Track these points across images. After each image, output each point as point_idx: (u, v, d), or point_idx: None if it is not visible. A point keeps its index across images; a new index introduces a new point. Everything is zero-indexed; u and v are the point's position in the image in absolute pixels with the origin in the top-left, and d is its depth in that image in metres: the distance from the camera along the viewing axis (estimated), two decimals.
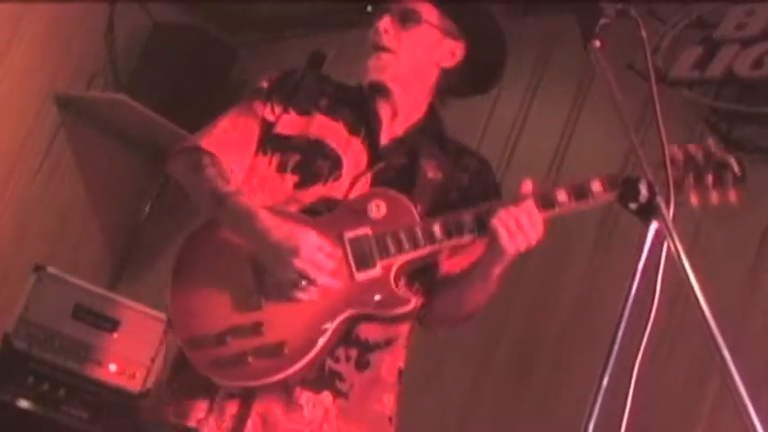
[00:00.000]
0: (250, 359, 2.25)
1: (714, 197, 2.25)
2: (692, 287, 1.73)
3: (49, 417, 4.20)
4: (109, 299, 4.50)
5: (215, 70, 5.38)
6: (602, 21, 2.08)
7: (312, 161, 2.45)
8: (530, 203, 2.27)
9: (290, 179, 2.45)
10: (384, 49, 2.47)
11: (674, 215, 1.84)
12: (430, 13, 2.50)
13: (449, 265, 2.48)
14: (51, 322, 4.28)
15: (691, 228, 3.34)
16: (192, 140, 2.54)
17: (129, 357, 4.42)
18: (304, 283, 2.26)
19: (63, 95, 5.37)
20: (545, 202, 2.30)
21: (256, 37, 5.67)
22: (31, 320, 4.24)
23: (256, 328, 2.28)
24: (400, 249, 2.31)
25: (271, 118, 2.52)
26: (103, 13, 5.40)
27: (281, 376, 2.26)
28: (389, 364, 2.45)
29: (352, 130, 2.50)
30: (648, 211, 1.85)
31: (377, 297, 2.30)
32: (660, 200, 1.84)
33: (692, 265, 1.76)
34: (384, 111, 2.52)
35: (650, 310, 1.77)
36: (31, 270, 4.34)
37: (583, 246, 3.80)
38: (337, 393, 2.36)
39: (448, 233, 2.32)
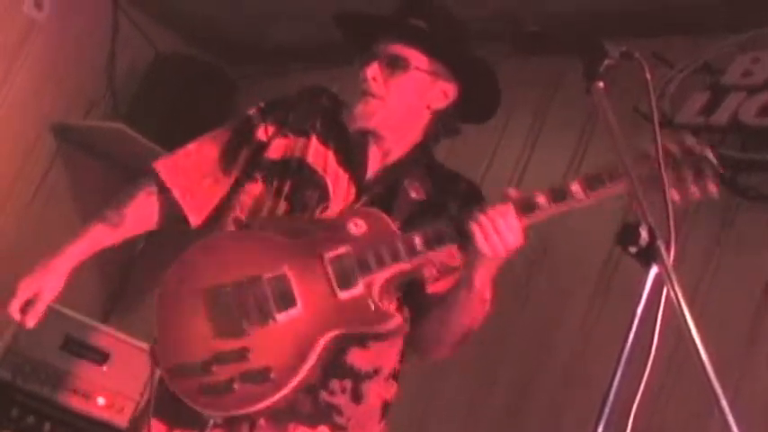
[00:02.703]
0: (236, 386, 2.25)
1: (695, 192, 2.20)
2: (690, 332, 1.70)
3: None
4: (99, 331, 4.44)
5: (215, 102, 5.38)
6: (607, 62, 2.06)
7: (303, 191, 2.46)
8: (507, 207, 2.24)
9: (283, 206, 2.46)
10: (372, 95, 2.47)
11: (675, 261, 1.80)
12: (418, 59, 2.49)
13: (435, 287, 2.46)
14: (39, 353, 4.22)
15: (693, 275, 3.32)
16: (158, 162, 2.65)
17: (118, 391, 4.36)
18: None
19: (60, 124, 5.35)
20: (524, 206, 2.26)
21: (258, 70, 5.68)
22: (18, 351, 4.18)
23: (242, 354, 2.27)
24: (381, 265, 2.30)
25: (263, 138, 2.55)
26: (105, 41, 5.41)
27: (267, 402, 2.25)
28: (375, 393, 2.43)
29: (340, 162, 2.50)
30: (649, 256, 1.82)
31: (361, 315, 2.29)
32: (661, 244, 1.81)
33: (692, 314, 1.72)
34: (373, 152, 2.53)
35: (648, 357, 1.73)
36: None
37: (582, 289, 3.78)
38: (335, 427, 2.35)
39: (428, 244, 2.30)
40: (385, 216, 2.37)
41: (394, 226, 2.36)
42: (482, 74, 2.56)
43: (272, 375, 2.24)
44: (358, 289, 2.30)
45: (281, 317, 2.30)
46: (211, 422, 2.29)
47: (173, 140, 5.08)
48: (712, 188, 2.20)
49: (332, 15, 2.66)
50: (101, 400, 4.32)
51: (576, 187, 2.25)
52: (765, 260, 3.33)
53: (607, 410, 1.72)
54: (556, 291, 3.86)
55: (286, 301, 2.31)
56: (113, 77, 5.46)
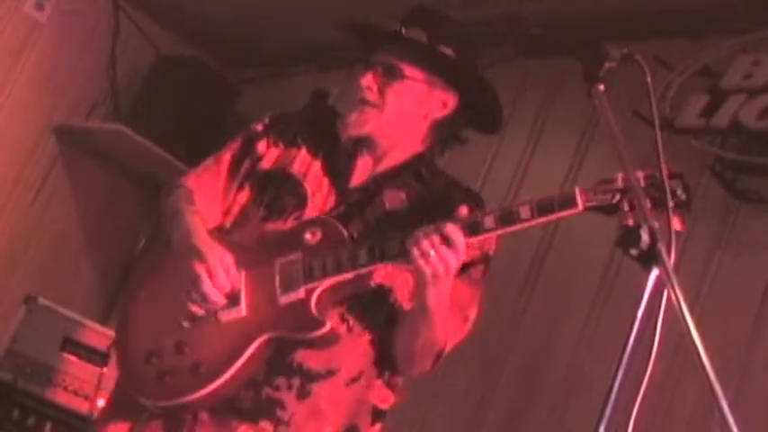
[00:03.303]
0: (167, 378, 2.33)
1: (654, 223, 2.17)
2: (690, 334, 1.70)
3: None
4: (99, 332, 4.45)
5: (216, 104, 5.38)
6: (607, 65, 2.06)
7: (282, 197, 2.49)
8: (449, 227, 2.21)
9: (261, 213, 2.50)
10: (367, 103, 2.48)
11: (676, 264, 1.80)
12: (413, 69, 2.49)
13: (407, 305, 2.44)
14: (39, 354, 4.23)
15: (694, 278, 3.32)
16: (178, 178, 2.68)
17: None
18: (193, 287, 2.32)
19: (62, 125, 5.35)
20: (471, 228, 2.23)
21: (259, 73, 5.69)
22: (18, 352, 4.19)
23: (179, 348, 2.35)
24: (324, 273, 2.32)
25: (262, 151, 2.58)
26: (107, 42, 5.41)
27: (194, 396, 2.30)
28: (330, 395, 2.40)
29: (326, 171, 2.53)
30: (649, 258, 1.82)
31: (295, 320, 2.31)
32: (662, 246, 1.81)
33: (693, 315, 1.72)
34: (364, 161, 2.53)
35: (649, 359, 1.73)
36: (21, 300, 4.29)
37: (584, 292, 3.78)
38: (277, 422, 2.35)
39: (371, 257, 2.29)
40: (338, 226, 2.38)
41: (346, 237, 2.37)
42: (479, 87, 2.56)
43: (201, 370, 2.30)
44: (298, 294, 2.32)
45: (223, 315, 2.35)
46: (146, 414, 2.36)
47: (173, 142, 5.13)
48: (676, 223, 2.16)
49: (338, 24, 2.67)
50: (101, 402, 4.32)
51: (525, 212, 2.22)
52: (766, 262, 3.33)
53: (609, 412, 1.72)
54: (558, 293, 3.86)
55: (231, 301, 2.35)
56: (115, 79, 5.46)
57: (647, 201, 2.06)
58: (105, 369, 4.32)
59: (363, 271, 2.32)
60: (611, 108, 2.02)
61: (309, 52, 5.33)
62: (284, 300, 2.33)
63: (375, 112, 2.48)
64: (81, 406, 4.28)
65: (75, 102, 5.41)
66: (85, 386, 4.30)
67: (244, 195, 2.55)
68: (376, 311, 2.45)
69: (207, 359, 2.31)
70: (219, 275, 2.31)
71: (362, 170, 2.53)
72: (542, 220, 2.22)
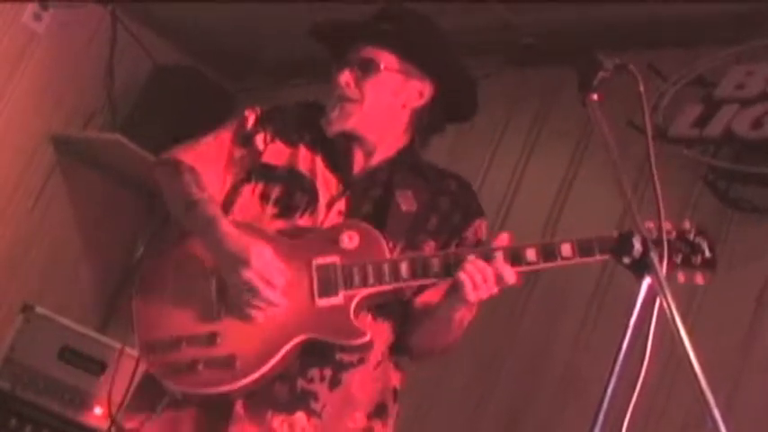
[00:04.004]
0: (200, 367, 2.33)
1: (680, 277, 2.25)
2: (682, 342, 1.71)
3: None
4: (97, 341, 4.44)
5: (213, 114, 5.31)
6: (601, 74, 2.08)
7: (292, 194, 2.51)
8: (499, 260, 2.31)
9: (270, 210, 2.51)
10: (347, 99, 2.54)
11: (668, 272, 1.82)
12: (388, 60, 2.55)
13: (424, 298, 2.51)
14: (37, 363, 4.22)
15: (686, 285, 3.32)
16: (175, 153, 2.64)
17: (115, 401, 4.35)
18: (252, 298, 2.31)
19: (59, 135, 5.35)
20: (514, 258, 2.33)
21: (256, 83, 5.69)
22: (16, 361, 4.18)
23: (211, 339, 2.35)
24: (365, 282, 2.36)
25: (261, 146, 2.59)
26: (104, 53, 5.41)
27: (226, 388, 2.32)
28: (359, 382, 2.45)
29: (329, 167, 2.56)
30: (642, 267, 1.84)
31: (334, 325, 2.34)
32: (654, 255, 1.83)
33: (686, 324, 1.74)
34: (358, 154, 2.58)
35: (641, 366, 1.75)
36: (19, 309, 4.29)
37: (578, 302, 3.79)
38: (311, 413, 2.38)
39: (414, 273, 2.36)
40: (378, 234, 2.41)
41: (386, 247, 2.40)
42: (454, 70, 2.61)
43: (237, 364, 2.31)
44: (337, 299, 2.35)
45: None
46: (162, 405, 2.38)
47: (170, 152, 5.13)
48: (700, 279, 2.26)
49: (307, 30, 2.71)
50: (98, 411, 4.32)
51: (566, 250, 2.32)
52: (758, 272, 3.34)
53: (601, 419, 1.73)
54: (552, 301, 3.86)
55: None
56: (112, 89, 5.46)
57: (678, 256, 2.21)
58: (103, 378, 4.34)
59: (403, 285, 2.38)
60: (605, 117, 2.04)
61: (307, 63, 5.32)
62: (323, 303, 2.36)
63: (355, 106, 2.54)
64: (78, 415, 4.27)
65: (72, 111, 5.41)
66: (83, 395, 4.29)
67: (249, 190, 2.55)
68: (397, 312, 2.51)
69: (242, 353, 2.32)
70: (274, 277, 2.31)
71: (359, 163, 2.58)
72: (583, 258, 2.29)
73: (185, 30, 5.59)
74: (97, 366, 4.34)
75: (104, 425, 4.28)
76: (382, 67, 2.54)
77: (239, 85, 5.68)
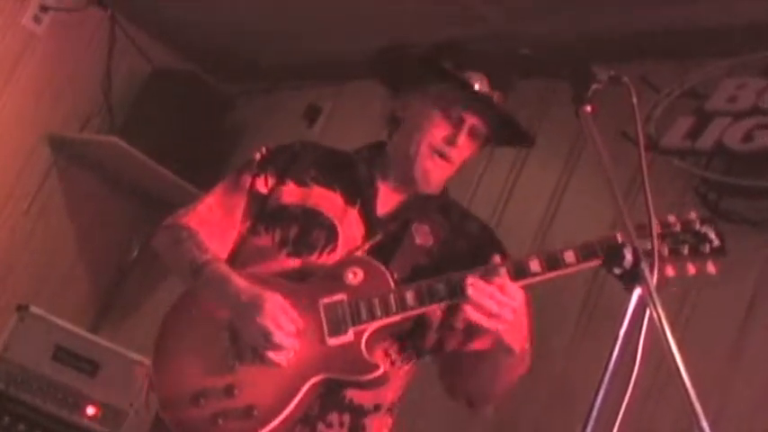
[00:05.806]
0: (220, 421, 2.30)
1: (691, 268, 2.25)
2: (672, 354, 1.72)
3: None
4: (90, 341, 4.47)
5: (211, 117, 5.40)
6: (594, 86, 2.08)
7: (309, 232, 2.47)
8: (502, 278, 2.27)
9: (286, 252, 2.47)
10: (447, 159, 2.49)
11: (658, 282, 1.83)
12: (485, 130, 2.52)
13: (476, 345, 2.46)
14: (31, 363, 4.25)
15: (676, 296, 3.33)
16: (176, 217, 2.60)
17: (107, 401, 4.38)
18: (266, 343, 2.28)
19: (56, 136, 5.38)
20: (518, 271, 2.30)
21: (254, 86, 5.70)
22: (9, 360, 4.20)
23: (228, 391, 2.33)
24: (372, 316, 2.33)
25: (263, 190, 2.56)
26: (102, 55, 5.44)
27: None
28: (377, 426, 2.47)
29: (348, 201, 2.52)
30: (632, 277, 1.84)
31: (347, 363, 2.32)
32: (645, 266, 1.84)
33: (676, 334, 1.75)
34: (384, 186, 2.54)
35: (630, 377, 1.76)
36: (13, 309, 4.31)
37: (568, 312, 3.79)
38: None
39: (421, 300, 2.33)
40: (382, 268, 2.39)
41: (390, 278, 2.38)
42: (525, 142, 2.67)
43: (255, 413, 2.30)
44: (347, 337, 2.33)
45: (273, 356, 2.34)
46: None
47: (167, 155, 5.15)
48: (711, 267, 2.25)
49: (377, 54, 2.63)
50: (90, 410, 4.34)
51: (570, 257, 2.30)
52: (748, 284, 3.35)
53: (591, 428, 1.74)
54: (542, 311, 3.87)
55: None
56: (110, 92, 5.48)
57: (686, 247, 2.21)
58: (95, 378, 4.35)
59: (411, 313, 2.35)
60: (597, 129, 2.04)
61: (304, 67, 5.35)
62: (333, 342, 2.33)
63: (449, 167, 2.50)
64: (72, 415, 4.30)
65: (70, 113, 5.43)
66: (76, 395, 4.31)
67: (260, 239, 2.51)
68: (416, 340, 2.49)
69: (260, 401, 2.31)
70: (285, 324, 2.29)
71: (386, 196, 2.53)
72: (587, 264, 2.28)
73: (183, 33, 5.61)
74: (90, 366, 4.36)
75: (96, 425, 4.31)
76: (483, 137, 2.51)
77: (236, 89, 5.70)
